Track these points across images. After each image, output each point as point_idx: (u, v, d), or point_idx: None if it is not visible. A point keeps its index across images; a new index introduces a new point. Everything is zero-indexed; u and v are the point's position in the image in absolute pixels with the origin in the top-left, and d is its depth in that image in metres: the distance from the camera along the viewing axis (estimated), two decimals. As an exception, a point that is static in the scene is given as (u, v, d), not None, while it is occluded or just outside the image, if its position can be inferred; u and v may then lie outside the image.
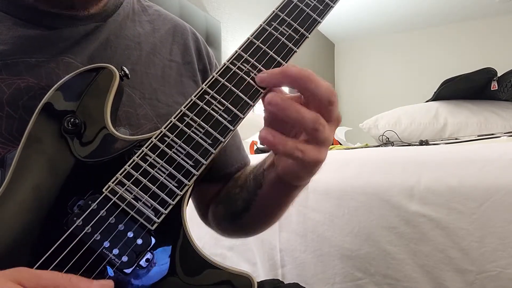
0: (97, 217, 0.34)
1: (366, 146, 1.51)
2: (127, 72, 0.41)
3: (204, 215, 0.59)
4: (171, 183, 0.36)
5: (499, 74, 1.70)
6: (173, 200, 0.35)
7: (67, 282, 0.30)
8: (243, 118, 0.38)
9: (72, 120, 0.37)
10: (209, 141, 0.37)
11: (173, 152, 0.36)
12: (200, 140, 0.36)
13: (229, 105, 0.37)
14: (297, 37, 0.39)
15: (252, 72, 0.38)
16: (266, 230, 0.54)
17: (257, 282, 0.36)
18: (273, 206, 0.48)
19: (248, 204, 0.48)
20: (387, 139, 1.75)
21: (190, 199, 0.60)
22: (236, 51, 0.38)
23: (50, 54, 0.44)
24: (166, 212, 0.35)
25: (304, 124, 0.35)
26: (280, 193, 0.45)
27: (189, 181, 0.36)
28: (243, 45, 0.38)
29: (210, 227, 0.59)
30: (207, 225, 0.60)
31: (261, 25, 0.39)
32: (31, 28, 0.44)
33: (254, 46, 0.38)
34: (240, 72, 0.38)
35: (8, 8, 0.44)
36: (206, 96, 0.37)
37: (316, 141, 0.36)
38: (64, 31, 0.45)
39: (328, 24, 3.40)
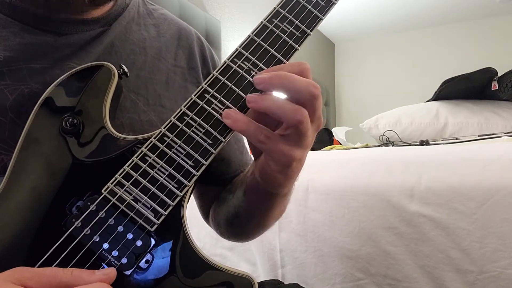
0: (96, 219, 0.34)
1: (367, 146, 1.51)
2: (126, 70, 0.41)
3: (206, 216, 0.59)
4: (171, 184, 0.35)
5: (499, 74, 1.70)
6: (173, 201, 0.35)
7: (69, 276, 0.29)
8: (244, 117, 0.37)
9: (70, 120, 0.36)
10: (209, 141, 0.36)
11: (173, 152, 0.36)
12: (200, 140, 0.36)
13: (229, 104, 0.36)
14: (298, 34, 0.38)
15: (253, 71, 0.37)
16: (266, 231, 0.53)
17: (258, 283, 0.36)
18: (258, 214, 0.46)
19: (237, 210, 0.47)
20: (387, 139, 1.74)
21: (194, 199, 0.60)
22: (237, 49, 0.38)
23: (55, 59, 0.43)
24: (166, 213, 0.35)
25: (284, 114, 0.33)
26: (260, 200, 0.43)
27: (189, 181, 0.36)
28: (243, 43, 0.38)
29: (212, 228, 0.59)
30: (209, 226, 0.60)
31: (262, 22, 0.38)
32: (37, 35, 0.43)
33: (255, 44, 0.38)
34: (240, 71, 0.37)
35: (15, 14, 0.43)
36: (206, 95, 0.37)
37: (298, 137, 0.34)
38: (70, 37, 0.45)
39: (328, 24, 3.40)
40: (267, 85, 0.35)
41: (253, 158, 0.42)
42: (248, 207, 0.45)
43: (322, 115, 0.36)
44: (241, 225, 0.49)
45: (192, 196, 0.40)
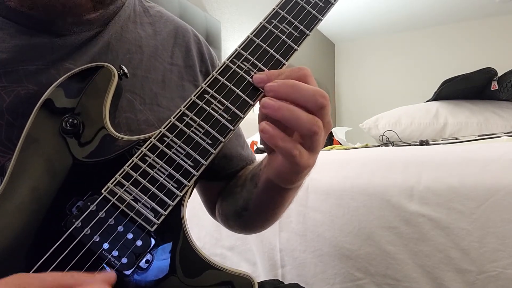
0: (96, 219, 0.34)
1: (366, 146, 1.51)
2: (126, 70, 0.41)
3: (212, 210, 0.59)
4: (170, 184, 0.35)
5: (499, 74, 1.70)
6: (173, 201, 0.35)
7: (71, 280, 0.29)
8: (243, 117, 0.37)
9: (70, 120, 0.36)
10: (209, 141, 0.36)
11: (173, 152, 0.36)
12: (199, 140, 0.36)
13: (229, 104, 0.37)
14: (297, 35, 0.39)
15: (252, 71, 0.37)
16: (266, 230, 0.53)
17: (258, 283, 0.36)
18: (267, 207, 0.47)
19: (247, 203, 0.48)
20: (387, 139, 1.74)
21: (198, 195, 0.60)
22: (236, 50, 0.38)
23: (51, 61, 0.43)
24: (165, 213, 0.35)
25: (300, 126, 0.34)
26: (271, 195, 0.44)
27: (188, 181, 0.36)
28: (243, 43, 0.38)
29: (218, 222, 0.59)
30: (215, 220, 0.60)
31: (261, 23, 0.39)
32: (34, 36, 0.43)
33: (254, 45, 0.38)
34: (240, 71, 0.37)
35: (11, 15, 0.43)
36: (206, 96, 0.37)
37: (311, 145, 0.35)
38: (67, 39, 0.45)
39: (328, 24, 3.40)
40: (275, 93, 0.35)
41: (255, 153, 0.42)
42: (259, 200, 0.46)
43: (330, 120, 0.36)
44: (250, 217, 0.49)
45: (192, 195, 0.40)
